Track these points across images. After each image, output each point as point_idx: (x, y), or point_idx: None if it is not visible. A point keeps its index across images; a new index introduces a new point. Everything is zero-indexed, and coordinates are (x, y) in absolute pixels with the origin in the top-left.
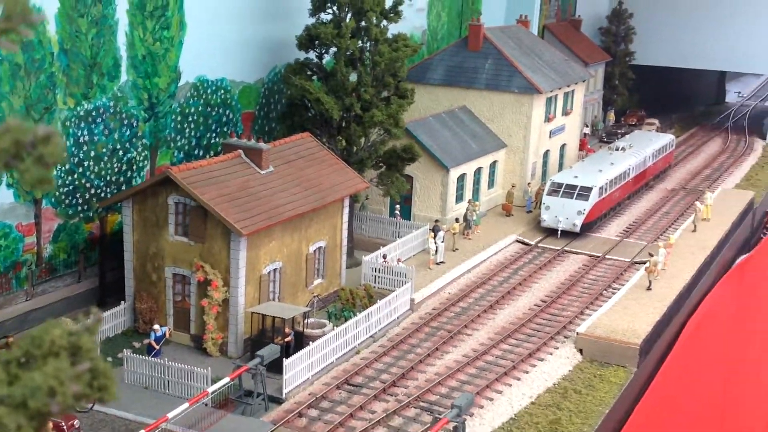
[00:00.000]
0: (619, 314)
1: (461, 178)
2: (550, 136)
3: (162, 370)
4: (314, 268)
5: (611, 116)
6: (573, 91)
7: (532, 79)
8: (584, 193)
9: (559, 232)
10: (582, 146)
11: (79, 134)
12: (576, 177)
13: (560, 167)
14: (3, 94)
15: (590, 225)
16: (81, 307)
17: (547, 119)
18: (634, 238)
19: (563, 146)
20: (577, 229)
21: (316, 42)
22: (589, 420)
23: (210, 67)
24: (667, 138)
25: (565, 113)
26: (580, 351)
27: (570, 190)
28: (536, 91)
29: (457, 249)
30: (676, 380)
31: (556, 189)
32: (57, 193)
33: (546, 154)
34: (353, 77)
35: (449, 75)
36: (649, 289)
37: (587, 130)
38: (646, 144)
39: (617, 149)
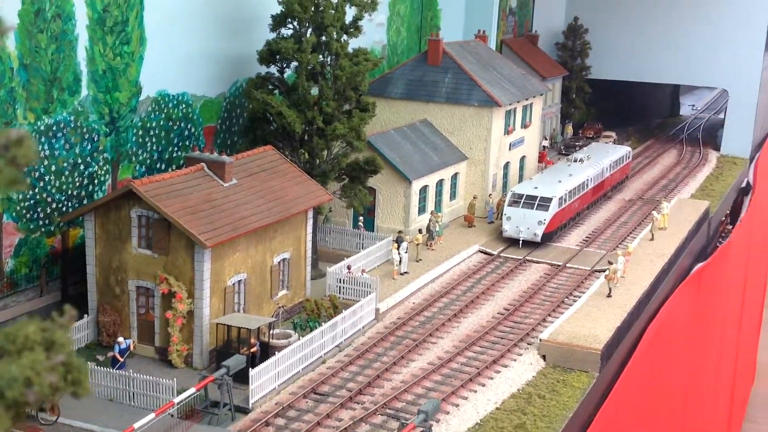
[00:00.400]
0: (580, 321)
1: (423, 190)
2: (510, 149)
3: (127, 382)
4: (279, 280)
5: (569, 129)
6: (531, 104)
7: (491, 93)
8: (544, 203)
9: (521, 242)
10: (541, 158)
11: (39, 149)
12: (536, 188)
13: (520, 179)
14: None
15: (551, 235)
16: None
17: (507, 132)
18: (593, 247)
19: (523, 158)
20: (538, 239)
21: (277, 56)
22: (554, 424)
23: (171, 81)
24: (624, 150)
25: (524, 126)
26: (544, 357)
27: (530, 201)
28: (495, 105)
29: (420, 260)
30: (637, 384)
31: (516, 200)
32: (18, 208)
33: (506, 165)
34: (315, 91)
35: (410, 89)
36: (609, 296)
37: (546, 143)
38: (604, 156)
39: (576, 161)
